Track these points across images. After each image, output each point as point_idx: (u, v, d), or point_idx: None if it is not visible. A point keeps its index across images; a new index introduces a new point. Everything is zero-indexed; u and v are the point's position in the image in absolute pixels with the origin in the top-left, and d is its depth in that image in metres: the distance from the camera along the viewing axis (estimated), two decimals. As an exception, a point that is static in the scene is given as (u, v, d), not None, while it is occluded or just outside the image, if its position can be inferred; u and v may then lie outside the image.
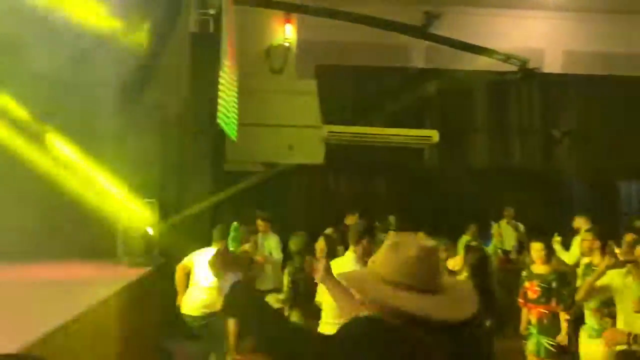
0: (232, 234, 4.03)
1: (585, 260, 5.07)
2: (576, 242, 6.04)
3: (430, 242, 1.62)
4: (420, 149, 9.73)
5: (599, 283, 3.92)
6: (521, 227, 8.72)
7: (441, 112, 9.66)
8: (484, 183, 9.38)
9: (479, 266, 3.98)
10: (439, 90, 9.71)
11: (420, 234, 1.72)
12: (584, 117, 9.73)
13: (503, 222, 8.83)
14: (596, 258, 4.63)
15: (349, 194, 9.72)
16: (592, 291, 4.00)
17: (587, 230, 5.06)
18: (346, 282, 1.88)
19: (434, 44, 9.47)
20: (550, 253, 5.04)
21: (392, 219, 8.02)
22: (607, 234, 4.79)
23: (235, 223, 4.04)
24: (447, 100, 9.69)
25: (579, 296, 4.13)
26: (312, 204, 9.53)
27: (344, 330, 1.58)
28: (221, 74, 6.32)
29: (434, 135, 9.26)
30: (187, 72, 6.38)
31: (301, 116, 9.33)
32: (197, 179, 6.30)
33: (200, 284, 4.89)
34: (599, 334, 4.15)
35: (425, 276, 1.56)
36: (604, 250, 4.59)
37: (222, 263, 1.81)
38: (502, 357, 4.78)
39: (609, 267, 3.95)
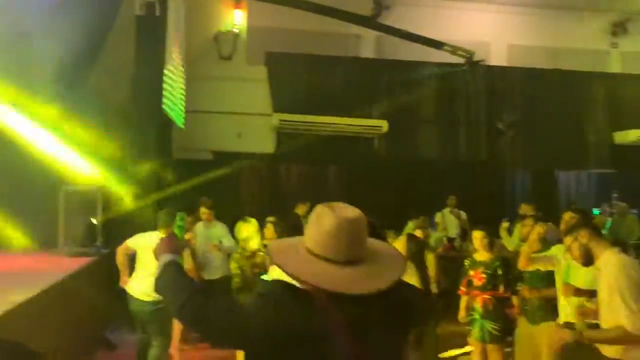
0: (178, 222, 3.95)
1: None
2: (517, 229, 6.30)
3: (351, 213, 1.58)
4: (371, 139, 9.82)
5: (543, 254, 4.11)
6: (463, 215, 8.98)
7: (390, 103, 9.76)
8: (431, 173, 9.59)
9: (419, 255, 4.19)
10: (389, 81, 9.82)
11: (341, 204, 1.64)
12: (527, 109, 10.06)
13: (446, 211, 9.08)
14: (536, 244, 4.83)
15: (300, 182, 9.73)
16: (533, 260, 4.16)
17: (528, 217, 5.23)
18: (268, 251, 1.88)
19: (383, 34, 9.55)
20: (492, 241, 5.19)
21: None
22: (546, 221, 4.99)
23: (181, 212, 3.96)
24: (396, 91, 9.80)
25: (520, 265, 4.31)
26: (263, 192, 9.49)
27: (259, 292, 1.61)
28: (167, 58, 6.16)
29: (384, 125, 9.36)
30: (132, 56, 6.17)
31: (251, 104, 9.25)
32: (143, 167, 6.13)
33: (148, 269, 4.77)
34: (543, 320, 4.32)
35: (342, 248, 1.54)
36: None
37: (166, 248, 1.76)
38: (444, 340, 4.94)
39: (540, 235, 4.21)
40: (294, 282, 1.57)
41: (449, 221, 9.11)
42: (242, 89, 9.17)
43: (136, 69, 6.12)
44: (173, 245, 1.80)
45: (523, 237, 5.25)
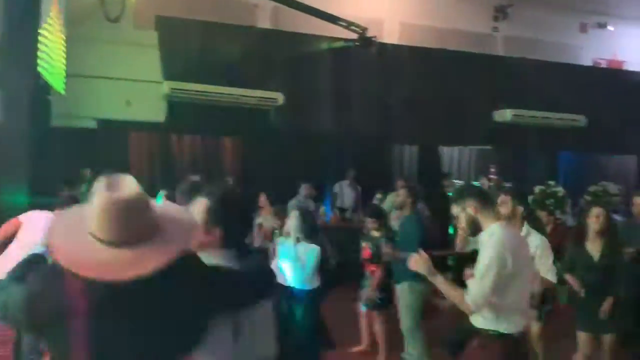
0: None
1: (398, 214, 5.65)
2: (389, 198, 6.92)
3: (126, 192, 1.54)
4: (267, 111, 9.75)
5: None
6: (359, 188, 9.31)
7: (287, 75, 9.74)
8: (326, 146, 9.76)
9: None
10: (285, 53, 9.76)
11: (125, 179, 1.62)
12: (416, 87, 10.47)
13: (344, 183, 9.37)
14: (407, 211, 5.19)
15: (192, 154, 9.48)
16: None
17: (401, 188, 5.56)
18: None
19: (280, 5, 9.43)
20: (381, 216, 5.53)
21: (229, 180, 8.01)
22: (419, 192, 5.39)
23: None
24: (292, 63, 9.78)
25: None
26: (153, 164, 9.14)
27: None
28: (42, 17, 5.65)
29: (279, 97, 9.33)
30: (1, 14, 5.58)
31: (140, 70, 8.78)
32: (16, 135, 5.62)
33: (28, 248, 4.42)
34: None
35: (108, 228, 1.52)
36: (414, 205, 5.17)
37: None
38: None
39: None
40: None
41: (346, 193, 9.42)
42: (131, 54, 8.66)
43: (4, 28, 5.55)
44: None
45: (395, 205, 5.66)
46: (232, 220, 1.93)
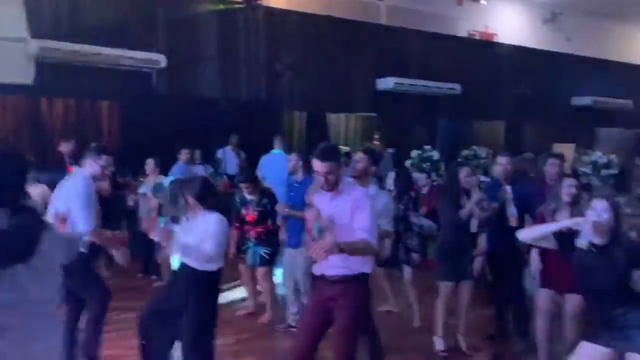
0: None
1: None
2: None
3: None
4: (148, 74, 9.31)
5: None
6: (242, 154, 9.27)
7: (170, 37, 9.34)
8: (212, 111, 9.55)
9: None
10: (168, 13, 9.34)
11: None
12: (303, 53, 10.54)
13: (227, 149, 9.28)
14: (300, 175, 5.26)
15: (65, 118, 8.85)
16: None
17: (292, 154, 5.65)
18: None
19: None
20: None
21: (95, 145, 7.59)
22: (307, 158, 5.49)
23: None
24: (176, 25, 9.39)
25: None
26: (20, 129, 8.44)
27: None
28: None
29: (161, 60, 8.94)
30: None
31: (2, 27, 7.96)
32: None
33: None
34: None
35: None
36: (306, 168, 5.21)
37: None
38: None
39: None
40: None
41: (229, 159, 9.35)
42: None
43: None
44: None
45: (289, 171, 5.69)
46: None
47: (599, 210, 2.86)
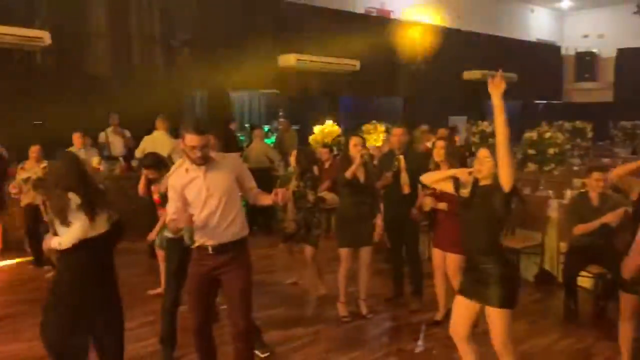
0: None
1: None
2: None
3: None
4: (32, 52, 8.67)
5: None
6: (127, 133, 8.89)
7: (55, 12, 8.73)
8: (102, 90, 9.08)
9: None
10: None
11: None
12: (200, 29, 10.25)
13: (109, 130, 8.85)
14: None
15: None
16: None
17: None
18: None
19: None
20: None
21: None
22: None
23: None
24: (60, 0, 8.80)
25: None
26: None
27: None
28: None
29: (45, 37, 8.35)
30: None
31: None
32: None
33: None
34: None
35: None
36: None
37: None
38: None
39: None
40: None
41: (112, 141, 8.90)
42: None
43: None
44: None
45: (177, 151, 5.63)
46: None
47: (481, 157, 3.08)
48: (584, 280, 5.14)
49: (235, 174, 3.27)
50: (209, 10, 10.31)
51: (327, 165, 7.51)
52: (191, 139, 3.07)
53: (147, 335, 4.44)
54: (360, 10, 13.75)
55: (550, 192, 6.47)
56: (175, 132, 6.76)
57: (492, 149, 3.01)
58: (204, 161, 3.15)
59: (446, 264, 4.55)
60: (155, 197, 5.23)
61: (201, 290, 3.30)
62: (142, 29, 9.67)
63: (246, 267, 3.32)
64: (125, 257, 4.78)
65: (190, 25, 10.09)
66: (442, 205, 4.42)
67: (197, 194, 3.16)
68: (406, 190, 5.06)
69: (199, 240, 3.24)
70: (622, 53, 17.79)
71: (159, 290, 5.59)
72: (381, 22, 13.94)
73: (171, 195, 3.25)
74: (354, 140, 4.84)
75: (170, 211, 3.24)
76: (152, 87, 9.62)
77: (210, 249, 3.23)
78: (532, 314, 5.01)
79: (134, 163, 8.17)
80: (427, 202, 4.48)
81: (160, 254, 5.42)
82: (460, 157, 4.60)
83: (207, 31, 10.26)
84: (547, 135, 6.66)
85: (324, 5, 12.29)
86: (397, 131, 5.29)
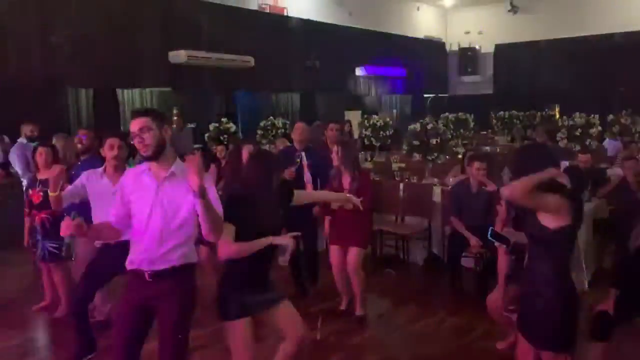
0: None
1: None
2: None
3: None
4: None
5: None
6: (6, 138, 8.29)
7: None
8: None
9: None
10: None
11: None
12: (84, 25, 9.70)
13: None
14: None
15: None
16: None
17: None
18: None
19: None
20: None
21: None
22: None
23: None
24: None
25: None
26: None
27: None
28: None
29: None
30: None
31: None
32: None
33: None
34: None
35: None
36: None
37: None
38: None
39: None
40: None
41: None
42: None
43: None
44: None
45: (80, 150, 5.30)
46: None
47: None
48: (468, 261, 5.52)
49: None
50: (90, 4, 9.78)
51: (223, 163, 7.43)
52: (132, 124, 2.58)
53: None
54: (253, 6, 13.69)
55: (436, 180, 6.85)
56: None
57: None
58: (152, 151, 2.57)
59: (347, 259, 4.64)
60: (37, 196, 4.91)
61: (130, 324, 2.70)
62: (18, 25, 8.95)
63: (186, 299, 2.72)
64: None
65: (71, 20, 9.49)
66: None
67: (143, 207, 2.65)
68: (309, 188, 5.11)
69: (130, 262, 2.72)
70: (499, 48, 19.18)
71: (45, 302, 5.28)
72: (275, 19, 13.98)
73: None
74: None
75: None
76: (25, 84, 8.92)
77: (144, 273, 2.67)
78: (424, 295, 5.30)
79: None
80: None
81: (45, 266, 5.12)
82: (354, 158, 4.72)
83: (90, 27, 9.72)
84: (430, 127, 7.05)
85: (216, 1, 12.10)
86: (298, 126, 5.40)
